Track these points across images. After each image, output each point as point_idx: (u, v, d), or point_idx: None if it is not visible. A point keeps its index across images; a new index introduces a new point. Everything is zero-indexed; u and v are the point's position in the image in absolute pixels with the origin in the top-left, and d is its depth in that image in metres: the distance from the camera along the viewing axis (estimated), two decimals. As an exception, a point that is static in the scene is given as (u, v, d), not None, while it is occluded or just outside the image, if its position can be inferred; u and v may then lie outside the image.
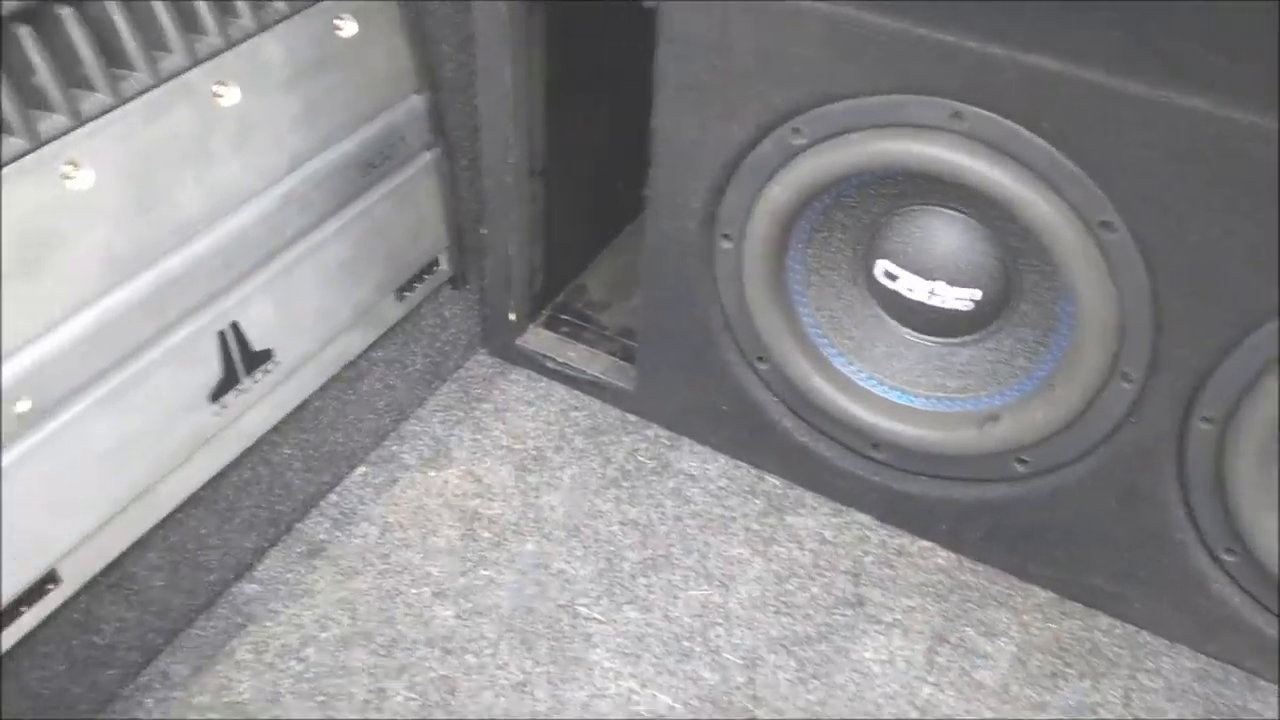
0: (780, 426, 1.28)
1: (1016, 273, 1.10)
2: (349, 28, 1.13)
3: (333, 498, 1.30)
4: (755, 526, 1.27)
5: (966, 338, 1.16)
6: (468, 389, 1.44)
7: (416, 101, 1.25)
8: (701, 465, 1.33)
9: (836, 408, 1.21)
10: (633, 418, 1.39)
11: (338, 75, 1.14)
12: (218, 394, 1.10)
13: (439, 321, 1.42)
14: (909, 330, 1.18)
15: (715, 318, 1.24)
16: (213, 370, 1.09)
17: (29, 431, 0.93)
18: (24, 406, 0.91)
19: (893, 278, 1.15)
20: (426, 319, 1.40)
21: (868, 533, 1.27)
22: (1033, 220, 1.00)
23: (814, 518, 1.28)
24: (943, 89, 0.99)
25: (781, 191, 1.10)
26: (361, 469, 1.33)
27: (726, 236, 1.18)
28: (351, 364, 1.29)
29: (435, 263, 1.37)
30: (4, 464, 0.91)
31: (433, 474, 1.32)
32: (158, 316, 1.01)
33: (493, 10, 1.19)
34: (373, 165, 1.21)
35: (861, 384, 1.21)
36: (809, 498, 1.30)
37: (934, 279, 1.13)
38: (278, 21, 1.06)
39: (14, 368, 0.90)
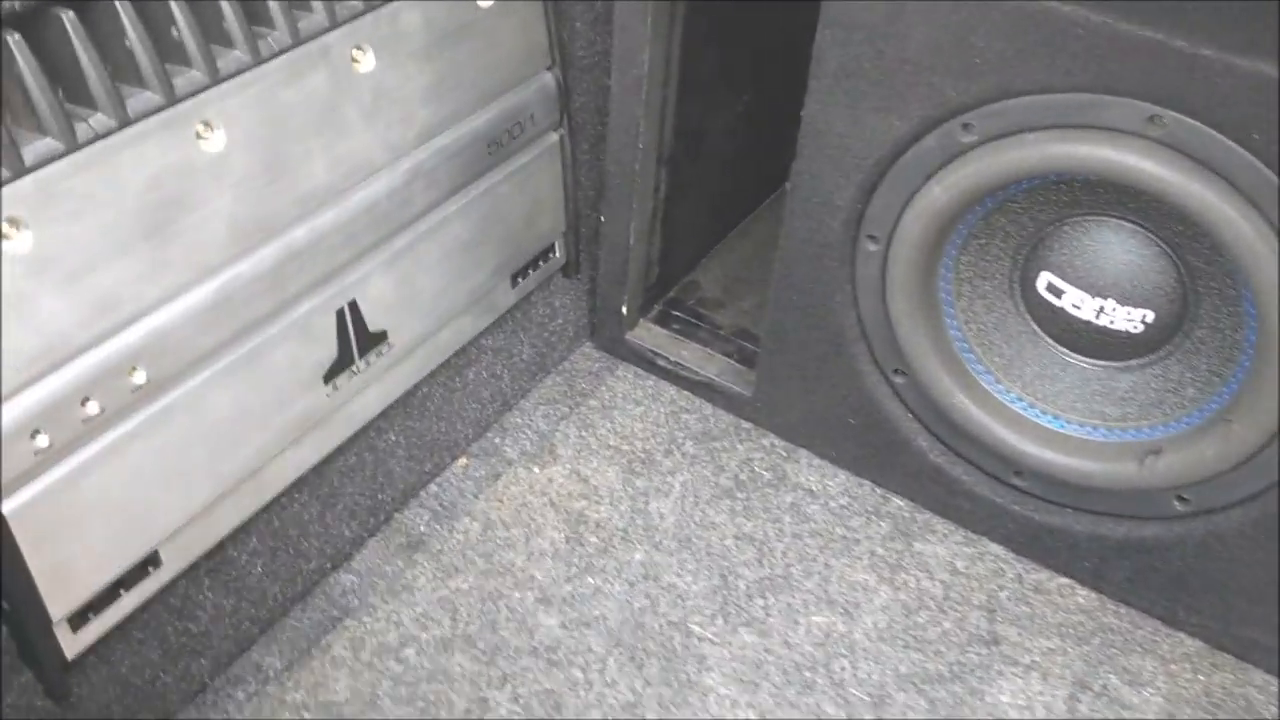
0: (913, 445, 1.20)
1: (1195, 295, 1.01)
2: (488, -3, 1.07)
3: (433, 488, 1.24)
4: (881, 551, 1.19)
5: (1131, 362, 1.07)
6: (573, 383, 1.37)
7: (547, 79, 1.18)
8: (821, 480, 1.25)
9: (979, 429, 1.13)
10: (747, 424, 1.32)
11: (473, 46, 1.07)
12: (331, 375, 1.04)
13: (549, 311, 1.35)
14: (1067, 350, 1.10)
15: (850, 324, 1.17)
16: (328, 350, 1.03)
17: (144, 404, 0.87)
18: (140, 378, 0.86)
19: (1057, 292, 1.07)
20: (537, 307, 1.33)
21: (1003, 565, 1.18)
22: (1228, 241, 0.91)
23: (944, 546, 1.20)
24: (1141, 90, 0.90)
25: (943, 192, 1.02)
26: (463, 460, 1.27)
27: (872, 238, 1.10)
28: (461, 351, 1.23)
29: (550, 249, 1.30)
30: (116, 438, 0.86)
31: (537, 470, 1.26)
32: (279, 290, 0.95)
33: (637, -12, 1.12)
34: (499, 144, 1.14)
35: (1009, 405, 1.12)
36: (938, 523, 1.22)
37: (1104, 296, 1.04)
38: (419, -16, 1.00)
39: (131, 336, 0.85)
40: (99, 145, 0.78)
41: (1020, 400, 1.12)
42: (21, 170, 0.74)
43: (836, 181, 1.08)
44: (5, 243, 0.75)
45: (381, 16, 0.97)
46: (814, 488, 1.25)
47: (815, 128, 1.07)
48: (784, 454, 1.28)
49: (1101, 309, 1.05)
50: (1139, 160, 0.91)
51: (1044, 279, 1.07)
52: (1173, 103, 0.89)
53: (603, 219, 1.30)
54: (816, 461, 1.27)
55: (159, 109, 0.81)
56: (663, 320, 1.40)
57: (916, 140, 1.03)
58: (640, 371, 1.38)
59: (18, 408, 0.79)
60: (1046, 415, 1.12)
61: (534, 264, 1.28)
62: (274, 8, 0.88)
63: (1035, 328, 1.11)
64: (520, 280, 1.27)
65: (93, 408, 0.83)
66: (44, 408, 0.80)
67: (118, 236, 0.81)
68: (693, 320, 1.40)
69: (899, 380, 1.17)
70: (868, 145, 1.05)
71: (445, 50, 1.04)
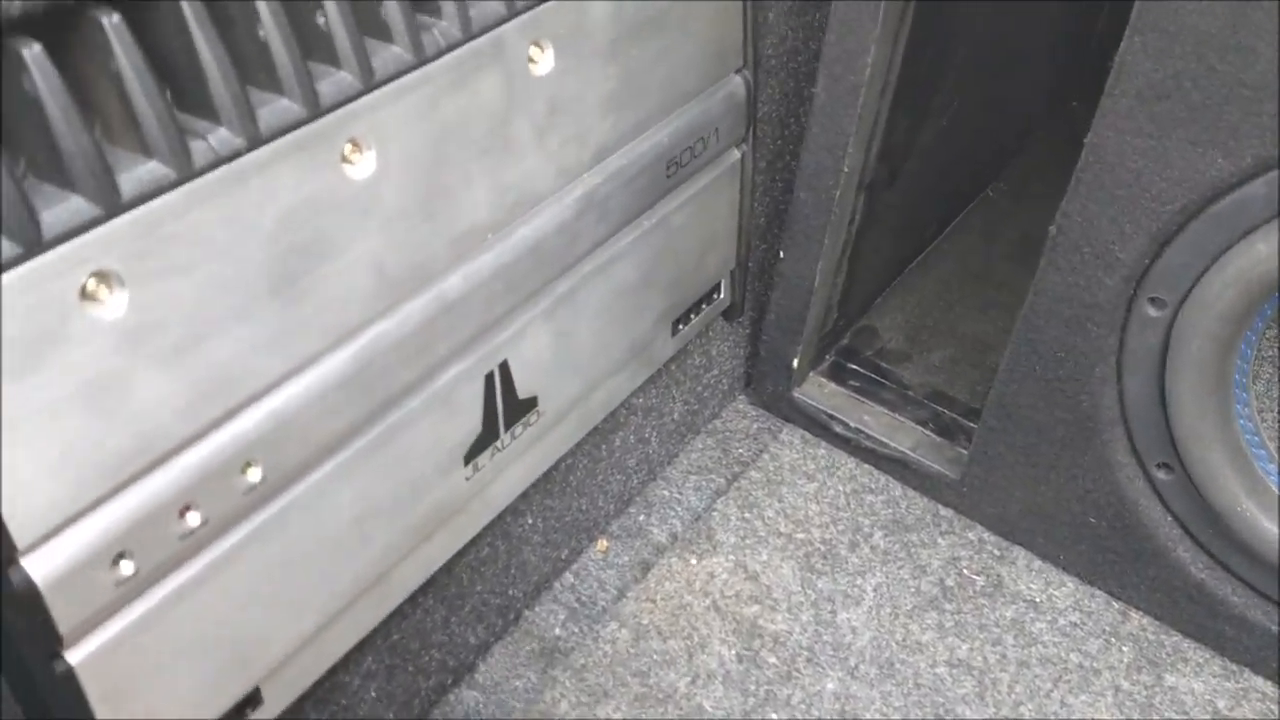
0: (1171, 555, 0.97)
1: None
2: (684, -21, 0.85)
3: (568, 578, 1.02)
4: (1125, 685, 0.96)
5: None
6: (727, 446, 1.15)
7: (737, 84, 0.96)
8: (1046, 589, 1.02)
9: (1263, 542, 0.90)
10: (946, 511, 1.09)
11: (661, 43, 0.85)
12: (472, 454, 0.82)
13: (705, 361, 1.13)
14: (1398, 454, 0.87)
15: (1108, 404, 0.94)
16: (471, 424, 0.81)
17: (256, 510, 0.66)
18: (254, 476, 0.64)
19: (1403, 385, 0.84)
20: (693, 357, 1.11)
21: (1273, 706, 0.95)
22: None
23: (1201, 679, 0.97)
24: None
25: (1268, 251, 0.79)
26: (603, 543, 1.06)
27: (1156, 301, 0.87)
28: (610, 414, 1.01)
29: (715, 289, 1.08)
30: (219, 555, 0.64)
31: (694, 562, 1.04)
32: (426, 354, 0.74)
33: (867, -26, 0.89)
34: (679, 164, 0.92)
35: (1308, 516, 0.89)
36: (1190, 649, 0.99)
37: None
38: (610, -36, 0.77)
39: (248, 423, 0.63)
40: (221, 172, 0.56)
41: (1325, 511, 0.89)
42: (117, 207, 0.53)
43: (1121, 229, 0.86)
44: (92, 307, 0.53)
45: (566, 4, 0.75)
46: (1038, 598, 1.02)
47: (1103, 159, 0.84)
48: (997, 553, 1.05)
49: None
50: None
51: (1384, 366, 0.84)
52: None
53: (782, 255, 1.08)
54: (1037, 564, 1.04)
55: (299, 123, 0.60)
56: (837, 375, 1.18)
57: (1241, 184, 0.79)
58: (808, 436, 1.16)
59: (98, 526, 0.57)
60: (1359, 532, 0.89)
61: (696, 308, 1.06)
62: (443, -11, 0.66)
63: (1355, 423, 0.88)
64: (681, 327, 1.04)
65: (194, 519, 0.62)
66: (133, 524, 0.59)
67: (238, 294, 0.60)
68: (874, 376, 1.17)
69: (1164, 476, 0.94)
70: (1173, 186, 0.82)
71: (631, 47, 0.82)
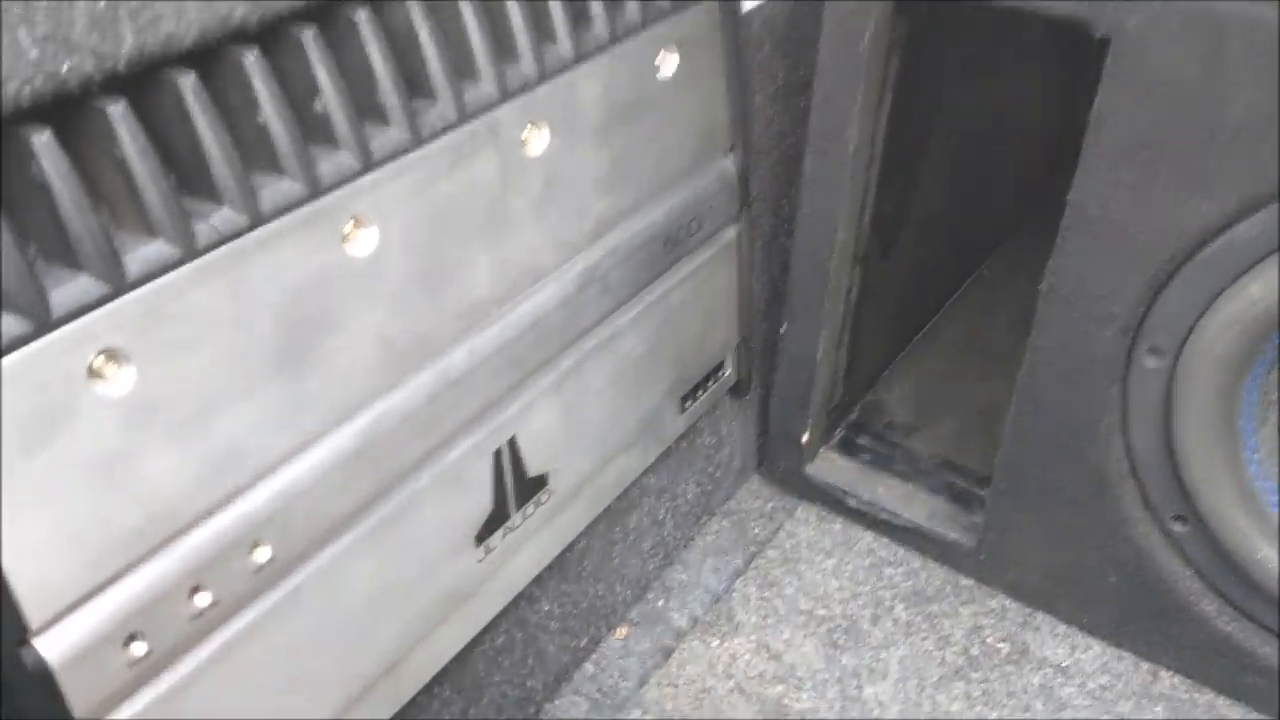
0: (1195, 609, 0.95)
1: None
2: (669, 64, 0.88)
3: (588, 668, 1.01)
4: (1162, 745, 0.94)
5: None
6: (744, 527, 1.14)
7: (727, 164, 0.98)
8: (1072, 654, 1.01)
9: (1290, 590, 0.89)
10: (967, 581, 1.08)
11: (652, 124, 0.88)
12: (484, 534, 0.82)
13: (715, 440, 1.13)
14: None
15: (1116, 459, 0.93)
16: (482, 502, 0.81)
17: (265, 590, 0.66)
18: (263, 555, 0.65)
19: None
20: (703, 435, 1.12)
21: (1316, 762, 0.93)
22: None
23: (1240, 736, 0.94)
24: None
25: (1262, 293, 0.80)
26: (621, 630, 1.04)
27: (1155, 351, 0.88)
28: (623, 494, 1.01)
29: (721, 366, 1.09)
30: (229, 637, 0.64)
31: (715, 644, 1.02)
32: (433, 429, 0.74)
33: (848, 53, 0.92)
34: (676, 240, 0.94)
35: (1329, 560, 0.88)
36: (1224, 705, 0.97)
37: None
38: (597, 50, 0.80)
39: (256, 501, 0.64)
40: (224, 250, 0.58)
41: (1348, 555, 0.88)
42: (124, 286, 0.54)
43: (1112, 281, 0.87)
44: (99, 385, 0.54)
45: (558, 87, 0.77)
46: (1065, 663, 1.00)
47: (1087, 213, 0.85)
48: (1020, 620, 1.04)
49: None
50: None
51: (1389, 401, 0.84)
52: None
53: (784, 329, 1.09)
54: (1061, 629, 1.03)
55: (300, 202, 0.61)
56: (847, 449, 1.18)
57: (1227, 228, 0.81)
58: (824, 512, 1.15)
59: (109, 607, 0.58)
60: (1383, 575, 0.87)
61: (704, 384, 1.06)
62: (435, 75, 0.69)
63: (1367, 462, 0.87)
64: (689, 403, 1.05)
65: (203, 600, 0.62)
66: (144, 604, 0.59)
67: (244, 370, 0.61)
68: (884, 449, 1.17)
69: (1180, 529, 0.93)
70: (1160, 234, 0.83)
71: (623, 128, 0.85)
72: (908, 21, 0.94)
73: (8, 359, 0.50)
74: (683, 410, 1.04)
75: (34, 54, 0.49)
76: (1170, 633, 0.98)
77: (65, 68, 0.51)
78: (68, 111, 0.53)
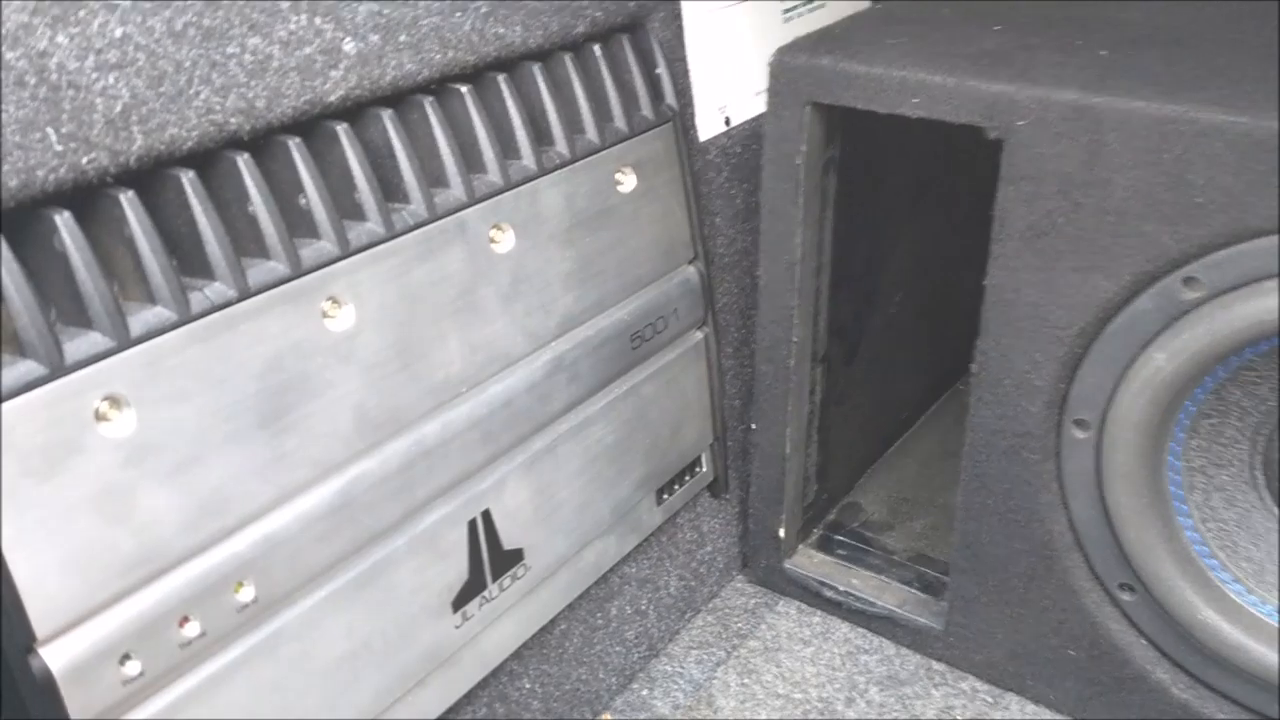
0: (1151, 678, 0.98)
1: None
2: (629, 182, 0.99)
3: (573, 750, 1.05)
4: (1128, 812, 0.95)
5: None
6: (727, 622, 1.20)
7: (690, 273, 1.09)
8: (1040, 728, 1.04)
9: (1234, 652, 0.92)
10: (939, 665, 1.11)
11: (614, 233, 0.99)
12: (461, 601, 0.90)
13: (696, 537, 1.20)
14: (1339, 547, 0.91)
15: (1061, 532, 0.99)
16: (458, 569, 0.89)
17: (249, 628, 0.74)
18: (247, 594, 0.73)
19: (1320, 475, 0.89)
20: (684, 531, 1.18)
21: (1282, 828, 0.94)
22: None
23: (1205, 803, 0.96)
24: None
25: (1167, 360, 0.87)
26: (606, 716, 1.09)
27: (1081, 423, 0.94)
28: (603, 579, 1.08)
29: (697, 463, 1.16)
30: (215, 669, 0.72)
31: (694, 724, 1.07)
32: (407, 494, 0.83)
33: (786, 168, 1.03)
34: (643, 338, 1.04)
35: (1267, 620, 0.92)
36: (1192, 776, 0.98)
37: (1384, 476, 0.86)
38: (558, 167, 0.92)
39: (240, 544, 0.72)
40: (215, 317, 0.69)
41: (1284, 613, 0.92)
42: (127, 341, 0.65)
43: (1032, 358, 0.94)
44: (103, 426, 0.64)
45: (521, 194, 0.89)
46: (1031, 736, 1.03)
47: (1003, 298, 0.94)
48: (989, 700, 1.07)
49: (1383, 492, 0.86)
50: None
51: (1300, 460, 0.90)
52: None
53: (754, 426, 1.17)
54: (1030, 708, 1.06)
55: (283, 280, 0.72)
56: (825, 546, 1.24)
57: (1128, 302, 0.89)
58: (804, 606, 1.21)
59: (107, 626, 0.66)
60: (1321, 631, 0.91)
61: (680, 479, 1.14)
62: (409, 181, 0.81)
63: (1293, 523, 0.92)
64: (666, 497, 1.12)
65: (192, 629, 0.70)
66: (137, 627, 0.67)
67: (231, 423, 0.71)
68: (860, 545, 1.23)
69: (1127, 597, 0.98)
70: (1068, 313, 0.91)
71: (586, 234, 0.96)
72: (840, 143, 1.05)
73: (26, 397, 0.61)
74: (659, 503, 1.12)
75: (59, 148, 0.61)
76: (1130, 704, 1.01)
77: (85, 161, 0.63)
78: (86, 196, 0.64)
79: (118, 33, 0.64)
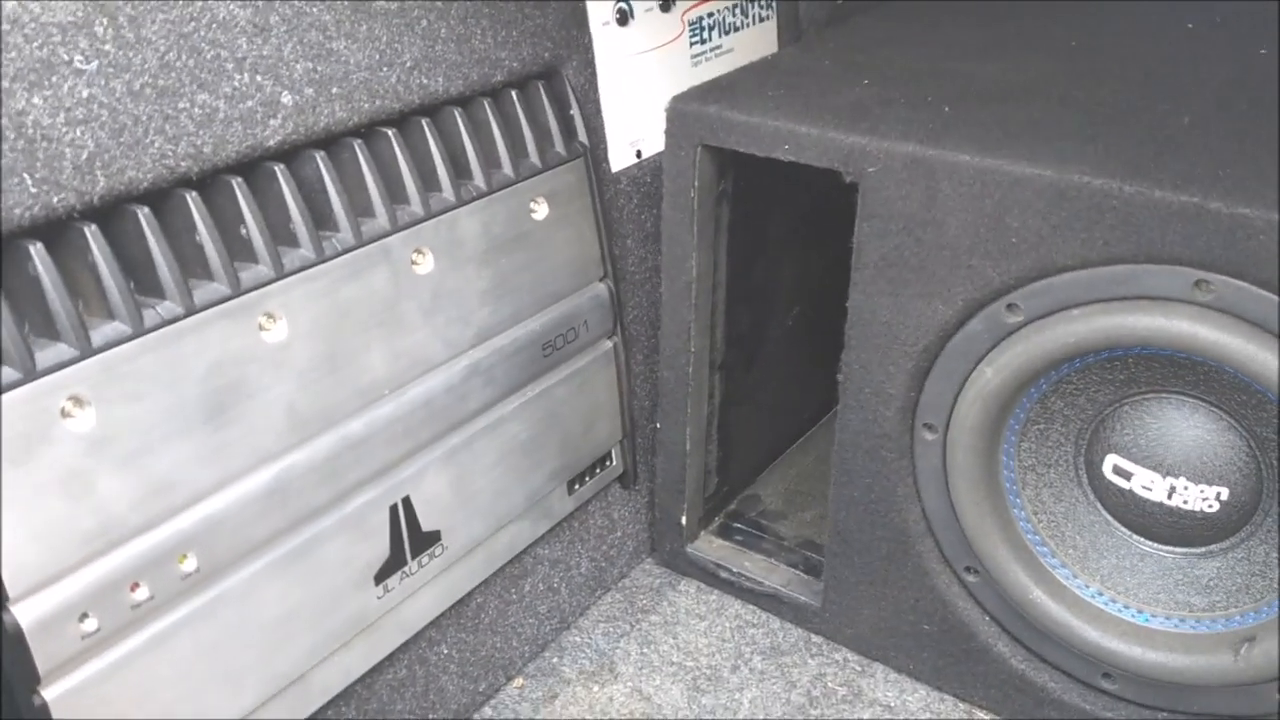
0: (993, 651, 1.13)
1: (1270, 467, 0.97)
2: (542, 210, 1.13)
3: (487, 711, 1.19)
4: (966, 768, 1.10)
5: (1212, 546, 1.02)
6: (633, 599, 1.34)
7: (601, 289, 1.22)
8: (900, 696, 1.18)
9: (1060, 628, 1.07)
10: (818, 638, 1.26)
11: (528, 255, 1.12)
12: (383, 575, 1.03)
13: (607, 523, 1.34)
14: (1143, 538, 1.05)
15: (915, 520, 1.13)
16: (380, 547, 1.02)
17: (192, 593, 0.87)
18: (190, 565, 0.86)
19: (1125, 475, 1.03)
20: (595, 518, 1.32)
21: (1099, 781, 1.08)
22: (1296, 403, 0.89)
23: (1033, 760, 1.10)
24: (1184, 256, 0.90)
25: (995, 374, 1.01)
26: (518, 681, 1.23)
27: (929, 426, 1.09)
28: (516, 559, 1.21)
29: (607, 457, 1.30)
30: (163, 627, 0.85)
31: (596, 689, 1.20)
32: (334, 481, 0.96)
33: (682, 199, 1.17)
34: (555, 347, 1.17)
35: (1090, 601, 1.06)
36: (1025, 736, 1.13)
37: (1174, 475, 1.00)
38: (476, 198, 1.06)
39: (185, 521, 0.85)
40: (165, 331, 0.82)
41: (1101, 595, 1.06)
42: (89, 351, 0.78)
43: (887, 370, 1.08)
44: (68, 421, 0.77)
45: (441, 223, 1.02)
46: (892, 703, 1.17)
47: (861, 317, 1.08)
48: (859, 669, 1.21)
49: (1173, 489, 1.01)
50: (1191, 326, 0.90)
51: (1110, 462, 1.04)
52: (1218, 265, 0.89)
53: (659, 425, 1.31)
54: (894, 676, 1.20)
55: (224, 299, 0.85)
56: (724, 532, 1.38)
57: (963, 324, 1.03)
58: (704, 586, 1.35)
59: (68, 588, 0.79)
60: (1130, 609, 1.05)
61: (591, 471, 1.28)
62: (338, 211, 0.94)
63: (1107, 516, 1.06)
64: (577, 487, 1.26)
65: (142, 593, 0.83)
66: (94, 590, 0.80)
67: (177, 420, 0.84)
68: (755, 532, 1.37)
69: (971, 579, 1.12)
70: (915, 332, 1.05)
71: (502, 256, 1.09)
72: (731, 177, 1.19)
73: (4, 397, 0.74)
74: (571, 492, 1.25)
75: (34, 190, 0.74)
76: (976, 674, 1.15)
77: (56, 200, 0.76)
78: (56, 229, 0.77)
79: (84, 93, 0.77)
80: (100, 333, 0.79)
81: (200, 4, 0.83)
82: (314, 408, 0.94)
